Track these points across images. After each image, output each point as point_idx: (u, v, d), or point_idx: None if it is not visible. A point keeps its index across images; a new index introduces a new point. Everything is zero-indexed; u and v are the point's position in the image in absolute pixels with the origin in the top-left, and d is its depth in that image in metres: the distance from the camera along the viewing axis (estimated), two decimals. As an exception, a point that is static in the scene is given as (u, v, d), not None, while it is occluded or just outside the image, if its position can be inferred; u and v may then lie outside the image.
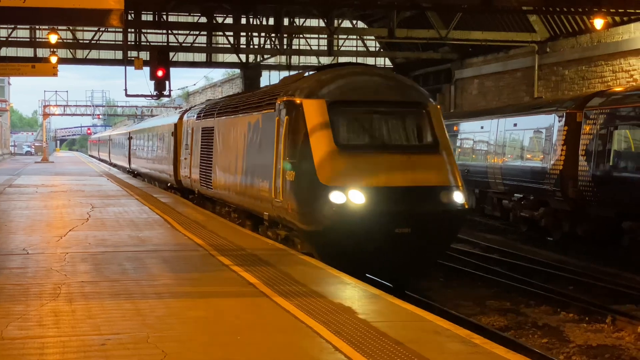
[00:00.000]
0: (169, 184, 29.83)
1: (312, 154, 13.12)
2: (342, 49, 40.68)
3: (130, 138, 46.41)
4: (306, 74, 15.60)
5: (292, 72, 43.38)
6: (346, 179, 12.83)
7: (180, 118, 27.57)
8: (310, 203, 13.01)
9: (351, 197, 12.66)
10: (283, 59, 43.83)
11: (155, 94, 25.41)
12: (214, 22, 35.25)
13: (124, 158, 50.40)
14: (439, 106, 14.51)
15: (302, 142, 13.41)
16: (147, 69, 24.88)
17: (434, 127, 13.85)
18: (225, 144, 19.12)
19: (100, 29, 37.41)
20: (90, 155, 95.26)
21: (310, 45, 41.91)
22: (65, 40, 38.42)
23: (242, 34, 37.88)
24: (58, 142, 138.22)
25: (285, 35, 36.93)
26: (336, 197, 12.67)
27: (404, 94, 14.27)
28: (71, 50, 40.93)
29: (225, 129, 19.43)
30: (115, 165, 56.34)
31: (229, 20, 36.81)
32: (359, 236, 12.74)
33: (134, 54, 34.51)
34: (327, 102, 13.56)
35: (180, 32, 37.66)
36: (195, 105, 28.99)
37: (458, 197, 13.30)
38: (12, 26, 35.06)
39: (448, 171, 13.51)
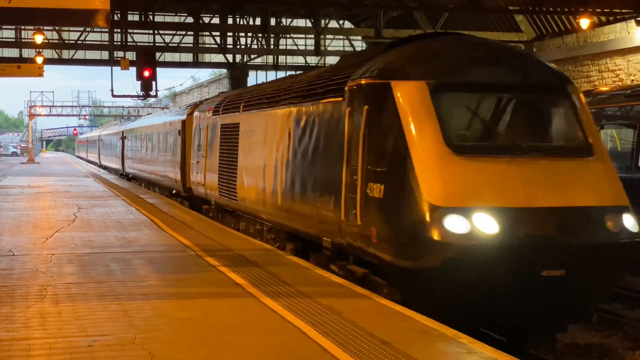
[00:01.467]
0: (174, 191, 26.15)
1: (412, 160, 9.34)
2: (329, 48, 40.78)
3: (123, 138, 42.53)
4: (385, 49, 11.44)
5: (281, 72, 43.42)
6: (468, 197, 9.09)
7: (190, 114, 23.93)
8: (412, 231, 9.16)
9: (477, 223, 8.91)
10: (270, 59, 43.84)
11: (141, 94, 25.31)
12: (201, 22, 35.21)
13: (116, 160, 46.14)
14: (581, 92, 10.72)
15: (394, 141, 9.66)
16: (133, 69, 24.80)
17: (581, 121, 10.10)
18: (257, 144, 15.42)
19: (87, 29, 37.31)
20: (78, 157, 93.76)
21: (297, 45, 41.94)
22: (51, 41, 38.29)
23: (229, 34, 37.87)
24: (44, 142, 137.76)
25: (272, 35, 36.92)
26: (454, 223, 8.91)
27: (536, 73, 10.43)
28: (57, 50, 40.81)
29: (256, 126, 15.65)
30: (106, 168, 52.73)
31: (216, 20, 36.79)
32: (486, 281, 8.96)
33: (120, 54, 34.42)
34: (430, 85, 9.74)
35: (166, 32, 37.59)
36: (208, 99, 25.33)
37: (628, 221, 9.47)
38: (-2, 26, 34.93)
39: (610, 184, 9.72)
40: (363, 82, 10.60)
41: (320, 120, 12.07)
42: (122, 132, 43.60)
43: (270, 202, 14.27)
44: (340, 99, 11.22)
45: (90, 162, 69.00)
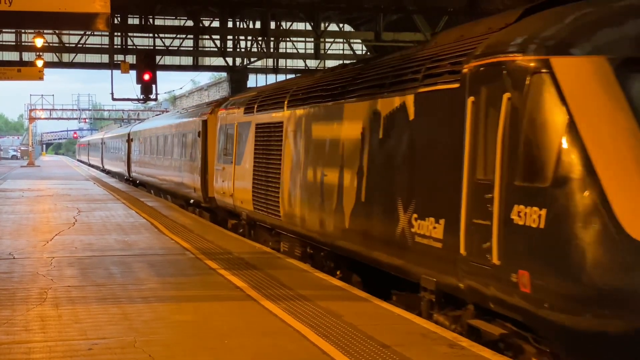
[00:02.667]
0: (191, 201, 23.23)
1: (598, 172, 6.44)
2: (329, 52, 40.85)
3: (130, 140, 39.40)
4: (520, 15, 8.14)
5: (281, 76, 43.49)
6: None
7: (213, 112, 20.92)
8: (603, 280, 6.34)
9: None
10: (270, 62, 43.86)
11: (142, 97, 25.35)
12: (201, 25, 35.24)
13: (120, 164, 43.41)
14: None
15: (560, 145, 6.69)
16: (133, 73, 24.85)
17: None
18: (313, 147, 12.48)
19: (87, 33, 37.37)
20: (79, 161, 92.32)
21: (297, 49, 41.97)
22: (51, 44, 38.31)
23: (229, 37, 37.89)
24: (44, 146, 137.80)
25: (272, 38, 36.95)
26: None
27: None
28: (57, 54, 40.80)
29: (311, 124, 12.67)
30: (109, 172, 50.30)
31: (216, 24, 36.81)
32: None
33: (120, 57, 34.46)
34: (614, 61, 6.72)
35: (166, 35, 37.63)
36: (237, 94, 21.85)
37: None
38: (-2, 30, 34.97)
39: None
40: (499, 59, 7.51)
41: (418, 114, 9.12)
42: (129, 134, 40.66)
43: (331, 221, 11.41)
44: (456, 85, 8.31)
45: (92, 166, 66.87)
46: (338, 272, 11.74)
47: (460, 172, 7.92)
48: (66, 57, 41.13)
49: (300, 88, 13.84)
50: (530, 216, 6.82)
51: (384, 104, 10.01)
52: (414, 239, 8.90)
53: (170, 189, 27.11)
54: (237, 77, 42.15)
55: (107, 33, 32.89)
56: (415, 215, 8.89)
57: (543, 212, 6.69)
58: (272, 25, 35.09)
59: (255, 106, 16.10)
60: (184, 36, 38.00)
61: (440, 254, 8.34)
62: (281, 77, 42.02)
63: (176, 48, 38.32)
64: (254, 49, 38.53)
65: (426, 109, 9.02)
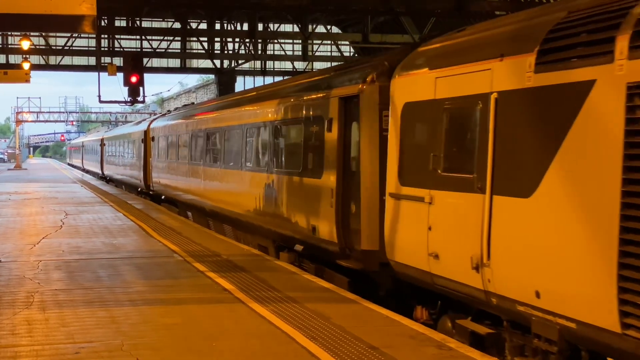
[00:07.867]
0: (297, 247, 12.86)
1: None
2: (317, 54, 40.88)
3: (149, 139, 29.61)
4: None
5: (269, 78, 43.45)
6: None
7: (374, 79, 10.45)
8: None
9: None
10: (257, 64, 43.85)
11: (129, 100, 25.26)
12: (188, 27, 35.21)
13: (129, 171, 34.76)
14: None
15: None
16: (120, 75, 24.77)
17: None
18: None
19: (73, 35, 37.28)
20: (70, 165, 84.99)
21: (284, 51, 41.98)
22: (37, 47, 38.22)
23: (217, 39, 37.90)
24: (31, 148, 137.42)
25: (259, 40, 36.96)
26: None
27: None
28: (44, 56, 40.73)
29: None
30: (110, 180, 42.27)
31: (203, 26, 36.81)
32: None
33: (107, 59, 34.38)
34: None
35: (154, 37, 37.61)
36: (459, 31, 9.09)
37: None
38: (-16, 32, 34.87)
39: None
40: None
41: None
42: (146, 132, 30.59)
43: None
44: None
45: (88, 171, 58.36)
46: None
47: None
48: (53, 60, 41.07)
49: None
50: None
51: None
52: None
53: (238, 219, 16.81)
54: (224, 79, 42.16)
55: (94, 35, 32.80)
56: None
57: None
58: (260, 27, 35.10)
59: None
60: (171, 38, 37.99)
61: None
62: (269, 80, 42.03)
63: (164, 50, 38.30)
64: (242, 51, 38.54)
65: None
